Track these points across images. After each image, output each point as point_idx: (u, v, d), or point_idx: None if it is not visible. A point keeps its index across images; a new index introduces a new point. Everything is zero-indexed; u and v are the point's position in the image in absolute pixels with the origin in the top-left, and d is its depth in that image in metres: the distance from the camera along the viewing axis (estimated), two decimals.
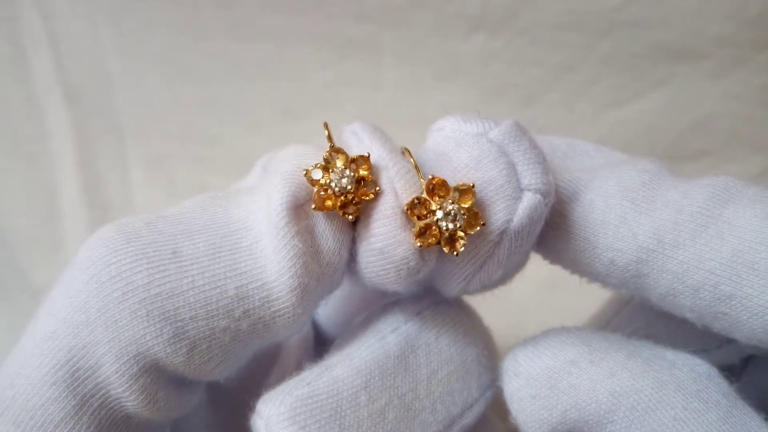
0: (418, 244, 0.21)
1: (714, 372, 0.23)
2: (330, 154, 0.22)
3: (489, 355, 0.26)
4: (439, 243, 0.22)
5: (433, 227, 0.21)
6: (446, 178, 0.22)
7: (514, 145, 0.22)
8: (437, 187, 0.22)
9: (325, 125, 0.24)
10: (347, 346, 0.24)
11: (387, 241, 0.22)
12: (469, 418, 0.25)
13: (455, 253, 0.22)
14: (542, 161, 0.23)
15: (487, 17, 0.53)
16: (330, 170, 0.22)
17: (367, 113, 0.58)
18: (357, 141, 0.23)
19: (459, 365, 0.25)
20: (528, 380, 0.24)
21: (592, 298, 0.33)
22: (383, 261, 0.22)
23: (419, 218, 0.22)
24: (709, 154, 0.56)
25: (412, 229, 0.22)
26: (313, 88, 0.57)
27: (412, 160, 0.23)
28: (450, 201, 0.21)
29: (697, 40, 0.52)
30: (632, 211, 0.23)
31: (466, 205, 0.21)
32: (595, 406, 0.22)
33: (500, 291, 0.27)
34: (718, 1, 0.50)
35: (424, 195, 0.22)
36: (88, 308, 0.21)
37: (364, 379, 0.23)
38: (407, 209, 0.22)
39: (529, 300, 0.53)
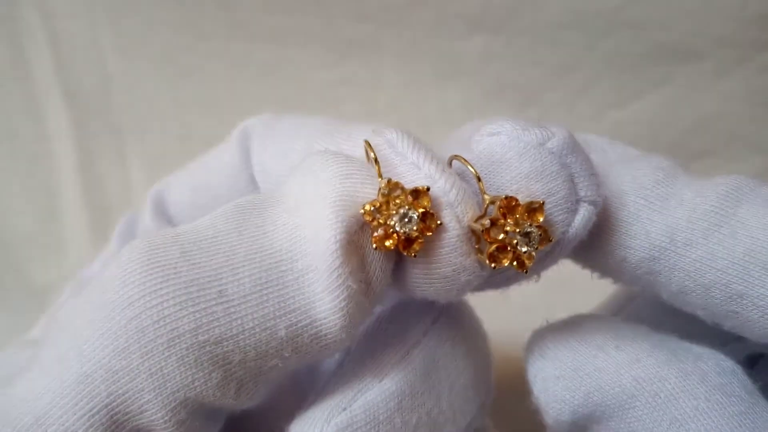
0: (493, 266, 0.21)
1: (738, 368, 0.23)
2: (387, 189, 0.20)
3: (490, 355, 0.27)
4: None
5: (508, 248, 0.21)
6: (503, 186, 0.22)
7: (572, 156, 0.22)
8: (511, 208, 0.21)
9: (368, 145, 0.22)
10: (371, 362, 0.23)
11: (453, 268, 0.21)
12: (478, 421, 0.25)
13: (525, 271, 0.21)
14: (595, 172, 0.23)
15: (487, 17, 0.53)
16: (389, 206, 0.20)
17: (367, 113, 0.58)
18: (398, 157, 0.22)
19: (472, 374, 0.25)
20: (554, 361, 0.24)
21: (599, 298, 0.33)
22: (445, 284, 0.22)
23: (491, 241, 0.21)
24: (710, 154, 0.56)
25: (477, 246, 0.21)
26: (313, 88, 0.57)
27: (472, 169, 0.21)
28: (527, 222, 0.21)
29: (698, 40, 0.52)
30: (645, 208, 0.23)
31: (537, 224, 0.21)
32: (619, 390, 0.22)
33: (506, 290, 0.27)
34: (718, 2, 0.50)
35: (496, 214, 0.21)
36: (129, 354, 0.20)
37: (397, 401, 0.22)
38: (483, 233, 0.21)
39: (534, 299, 0.53)
